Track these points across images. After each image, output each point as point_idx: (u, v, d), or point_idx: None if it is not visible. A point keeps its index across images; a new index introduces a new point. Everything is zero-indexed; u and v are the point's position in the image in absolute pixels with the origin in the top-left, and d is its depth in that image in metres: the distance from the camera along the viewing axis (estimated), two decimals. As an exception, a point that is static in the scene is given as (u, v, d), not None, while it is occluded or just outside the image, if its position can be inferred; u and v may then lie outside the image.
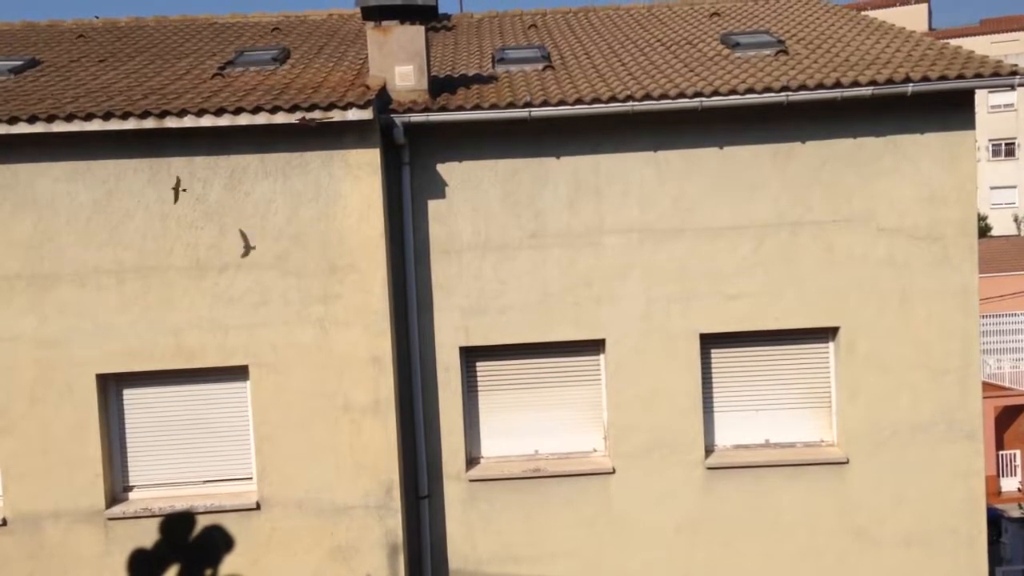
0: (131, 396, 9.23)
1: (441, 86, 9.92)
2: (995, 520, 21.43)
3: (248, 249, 8.63)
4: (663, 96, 9.14)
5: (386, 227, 9.07)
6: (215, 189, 8.91)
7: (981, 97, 40.81)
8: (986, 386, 20.10)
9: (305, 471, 9.02)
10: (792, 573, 9.60)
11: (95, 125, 8.61)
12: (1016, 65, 9.53)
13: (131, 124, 8.62)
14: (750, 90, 9.13)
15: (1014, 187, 49.54)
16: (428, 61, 9.65)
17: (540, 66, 10.71)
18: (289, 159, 8.92)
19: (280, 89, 9.41)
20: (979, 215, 27.39)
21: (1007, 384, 27.44)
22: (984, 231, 42.41)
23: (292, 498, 9.03)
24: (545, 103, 9.14)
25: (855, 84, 9.11)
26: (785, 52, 10.60)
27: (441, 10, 11.72)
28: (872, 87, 9.08)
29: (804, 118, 9.37)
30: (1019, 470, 27.02)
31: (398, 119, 9.07)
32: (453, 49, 12.25)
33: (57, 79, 10.27)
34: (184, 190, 8.27)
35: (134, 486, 9.30)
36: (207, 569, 9.04)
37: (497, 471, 9.63)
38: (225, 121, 8.64)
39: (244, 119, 8.64)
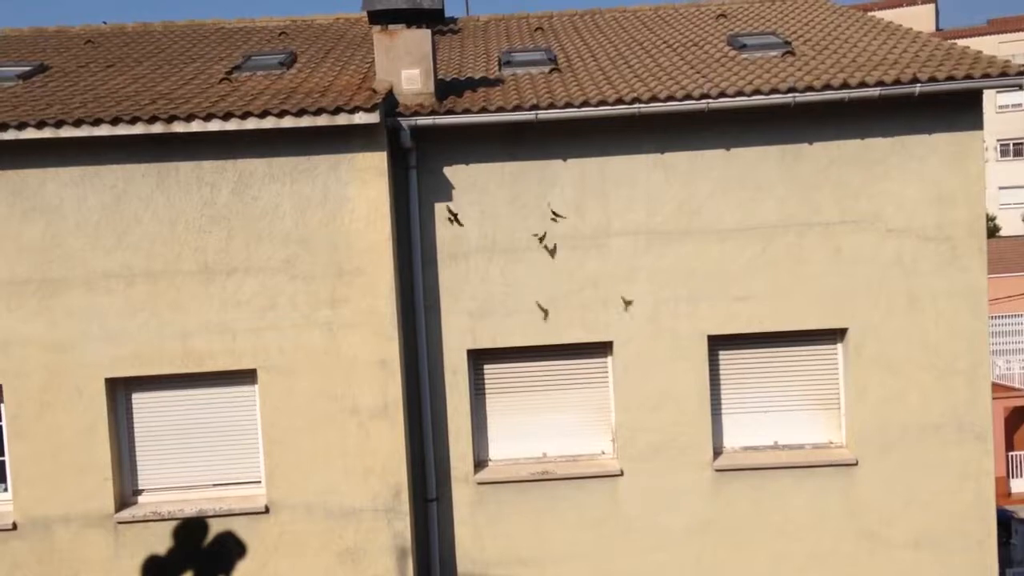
0: (140, 400, 9.26)
1: (448, 89, 9.93)
2: (1005, 521, 21.36)
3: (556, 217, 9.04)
4: (670, 98, 9.14)
5: (393, 230, 9.09)
6: (223, 193, 8.94)
7: (989, 97, 40.64)
8: (995, 387, 20.05)
9: (314, 474, 9.03)
10: (801, 575, 9.57)
11: (103, 130, 8.64)
12: (1024, 65, 9.50)
13: (139, 129, 8.65)
14: (757, 91, 9.12)
15: (1023, 187, 49.30)
16: (435, 64, 9.65)
17: (546, 68, 10.71)
18: (296, 163, 8.94)
19: (287, 93, 9.44)
20: (988, 215, 27.25)
21: (1017, 385, 27.34)
22: (993, 231, 42.20)
23: (301, 501, 9.05)
24: (552, 105, 9.14)
25: (862, 85, 9.09)
26: (792, 53, 10.59)
27: (447, 13, 11.71)
28: (879, 88, 9.07)
29: (811, 119, 9.35)
30: (1029, 471, 26.93)
31: (405, 122, 9.09)
32: (459, 52, 12.27)
33: (65, 84, 10.32)
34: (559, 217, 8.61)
35: (143, 490, 9.32)
36: (218, 574, 9.06)
37: (505, 474, 9.62)
38: (232, 125, 8.67)
39: (251, 123, 8.67)
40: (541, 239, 9.36)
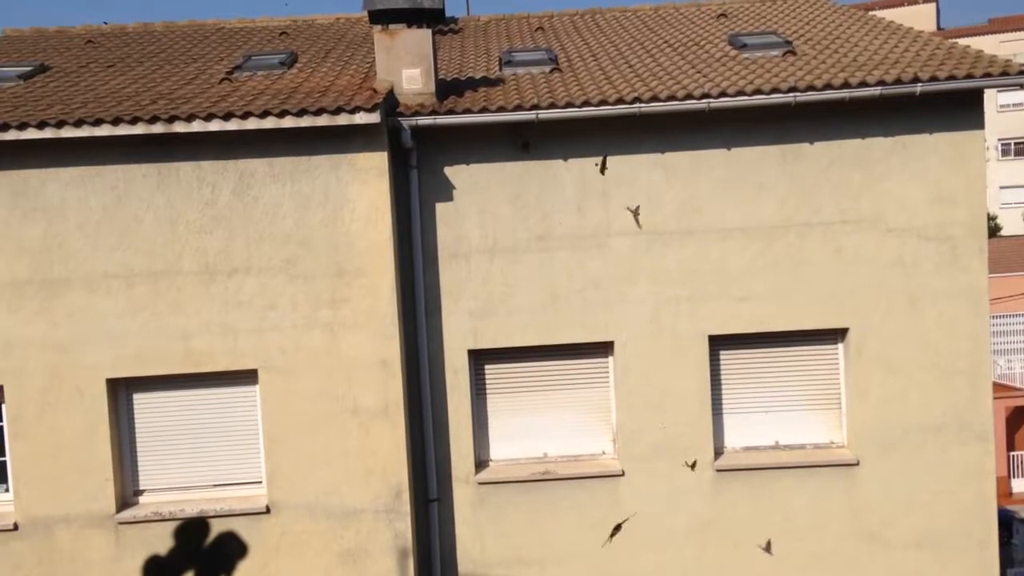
0: (141, 400, 9.26)
1: (448, 89, 9.93)
2: (1006, 522, 21.38)
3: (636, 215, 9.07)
4: (670, 98, 9.14)
5: (394, 231, 9.08)
6: (224, 194, 8.93)
7: (990, 96, 40.63)
8: (997, 387, 20.03)
9: (314, 475, 9.03)
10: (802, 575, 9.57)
11: (104, 130, 8.64)
12: (1025, 64, 9.49)
13: (140, 129, 8.65)
14: (758, 91, 9.12)
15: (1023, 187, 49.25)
16: (435, 64, 9.65)
17: (547, 68, 10.71)
18: (297, 163, 8.94)
19: (288, 93, 9.44)
20: (989, 215, 27.24)
21: (1018, 385, 27.34)
22: (994, 231, 42.17)
23: (302, 502, 9.05)
24: (552, 105, 9.13)
25: (863, 84, 9.09)
26: (793, 53, 10.58)
27: (448, 13, 11.70)
28: (880, 87, 9.06)
29: (812, 119, 9.34)
30: (1030, 471, 26.94)
31: (405, 122, 9.09)
32: (460, 52, 12.26)
33: (66, 85, 10.32)
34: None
35: (144, 490, 9.32)
36: (219, 574, 9.06)
37: (506, 474, 9.62)
38: (233, 126, 8.67)
39: (252, 123, 8.66)
40: (635, 211, 9.36)
